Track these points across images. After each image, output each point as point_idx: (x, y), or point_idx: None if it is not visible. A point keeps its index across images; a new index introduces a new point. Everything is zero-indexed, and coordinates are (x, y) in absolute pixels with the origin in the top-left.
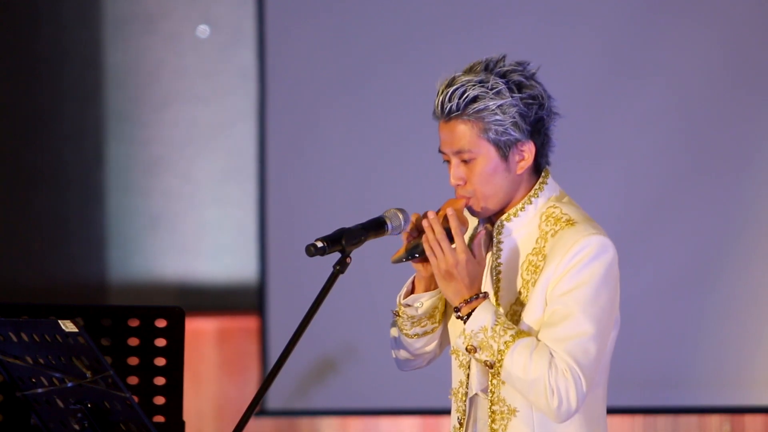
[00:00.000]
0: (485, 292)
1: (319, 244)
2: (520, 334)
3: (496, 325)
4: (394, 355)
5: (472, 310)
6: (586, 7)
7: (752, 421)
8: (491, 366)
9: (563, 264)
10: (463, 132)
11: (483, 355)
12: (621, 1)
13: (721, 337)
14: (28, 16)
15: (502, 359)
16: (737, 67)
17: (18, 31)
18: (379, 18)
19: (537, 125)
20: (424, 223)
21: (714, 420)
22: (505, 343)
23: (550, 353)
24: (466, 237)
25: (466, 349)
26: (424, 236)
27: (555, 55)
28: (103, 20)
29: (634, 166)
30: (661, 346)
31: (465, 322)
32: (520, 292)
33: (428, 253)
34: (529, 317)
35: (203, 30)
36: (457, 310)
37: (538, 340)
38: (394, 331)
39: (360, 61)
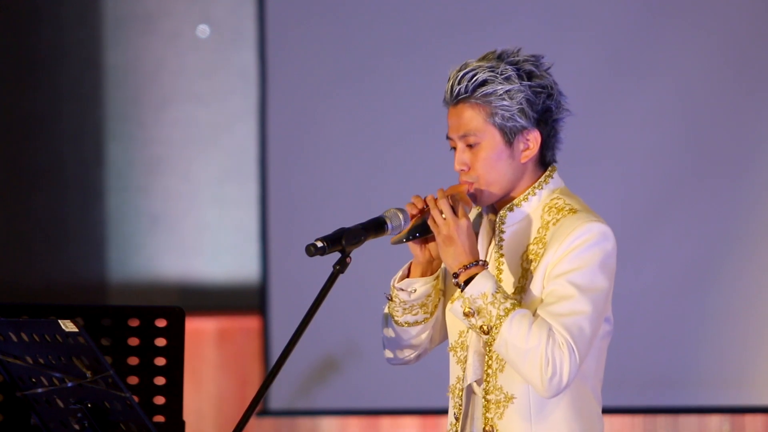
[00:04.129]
0: (485, 261)
1: (319, 244)
2: (520, 305)
3: (497, 292)
4: (385, 349)
5: (471, 277)
6: (587, 9)
7: (752, 421)
8: (487, 332)
9: (563, 247)
10: (470, 116)
11: (479, 321)
12: (621, 3)
13: (721, 337)
14: (28, 16)
15: (500, 324)
16: (737, 68)
17: (18, 31)
18: (379, 18)
19: (544, 115)
20: (428, 196)
21: (714, 420)
22: (505, 309)
23: (549, 326)
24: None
25: (464, 313)
26: (428, 208)
27: (555, 56)
28: (103, 20)
29: (635, 167)
30: (661, 346)
31: (463, 289)
32: (519, 280)
33: (430, 222)
34: (529, 302)
35: (203, 30)
36: (456, 276)
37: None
38: (387, 332)
39: (360, 61)
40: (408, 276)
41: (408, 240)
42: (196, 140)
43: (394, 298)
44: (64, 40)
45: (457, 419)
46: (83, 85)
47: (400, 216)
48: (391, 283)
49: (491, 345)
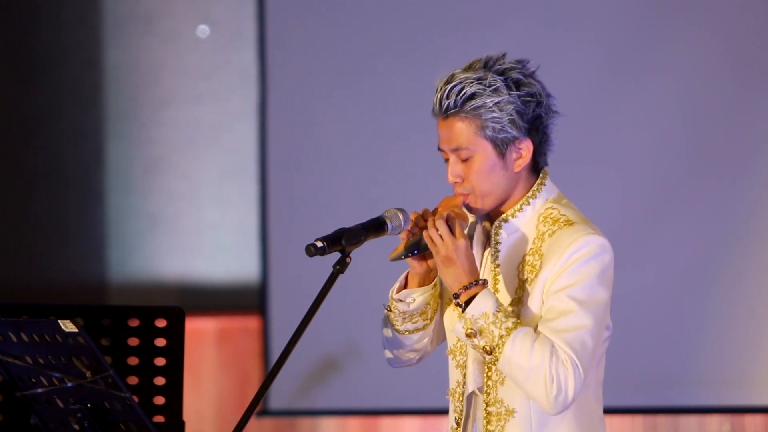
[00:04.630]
0: (484, 279)
1: (319, 244)
2: (522, 323)
3: (498, 311)
4: (386, 352)
5: (472, 297)
6: (587, 9)
7: (752, 421)
8: (489, 352)
9: (561, 261)
10: (461, 129)
11: (482, 341)
12: (621, 3)
13: (721, 337)
14: (28, 16)
15: (503, 344)
16: (737, 68)
17: (18, 31)
18: (380, 18)
19: (535, 123)
20: (428, 216)
21: (714, 420)
22: (507, 329)
23: (552, 343)
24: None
25: (466, 334)
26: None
27: (555, 56)
28: (103, 20)
29: (635, 167)
30: (661, 346)
31: (464, 310)
32: (516, 291)
33: (428, 241)
34: (526, 315)
35: (203, 30)
36: (456, 296)
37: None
38: (387, 332)
39: (360, 61)
40: (406, 286)
41: (406, 257)
42: (196, 140)
43: (393, 309)
44: (64, 40)
45: (458, 424)
46: (83, 85)
47: (400, 216)
48: (390, 295)
49: (495, 364)
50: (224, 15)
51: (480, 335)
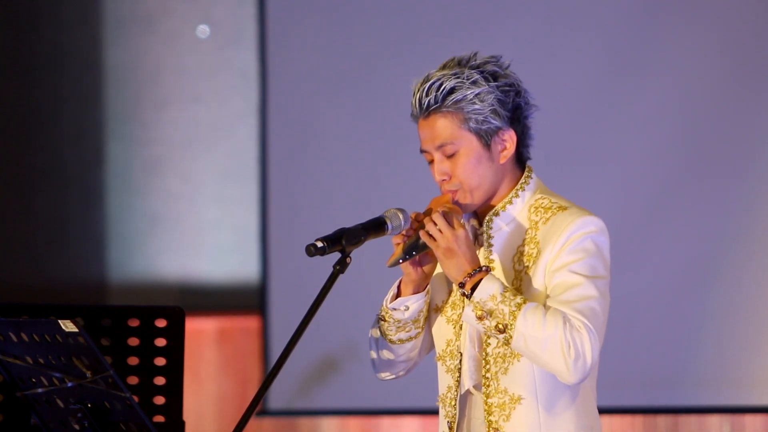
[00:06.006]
0: (487, 266)
1: (319, 244)
2: (530, 300)
3: (506, 291)
4: (373, 356)
5: (477, 283)
6: (587, 9)
7: (752, 421)
8: (502, 330)
9: (560, 242)
10: (444, 125)
11: (493, 321)
12: (621, 3)
13: (721, 337)
14: (28, 16)
15: (514, 320)
16: (737, 68)
17: (18, 32)
18: (380, 18)
19: (516, 112)
20: (420, 215)
21: (714, 420)
22: (517, 304)
23: (563, 313)
24: None
25: (477, 317)
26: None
27: (555, 56)
28: (103, 20)
29: (635, 167)
30: (661, 346)
31: (470, 297)
32: (513, 283)
33: (426, 239)
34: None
35: (203, 30)
36: (461, 286)
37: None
38: (374, 332)
39: (361, 61)
40: (399, 295)
41: (404, 260)
42: (196, 140)
43: (387, 319)
44: (64, 40)
45: (450, 428)
46: (83, 85)
47: (400, 216)
48: (384, 304)
49: (509, 343)
50: (224, 15)
51: (491, 316)
